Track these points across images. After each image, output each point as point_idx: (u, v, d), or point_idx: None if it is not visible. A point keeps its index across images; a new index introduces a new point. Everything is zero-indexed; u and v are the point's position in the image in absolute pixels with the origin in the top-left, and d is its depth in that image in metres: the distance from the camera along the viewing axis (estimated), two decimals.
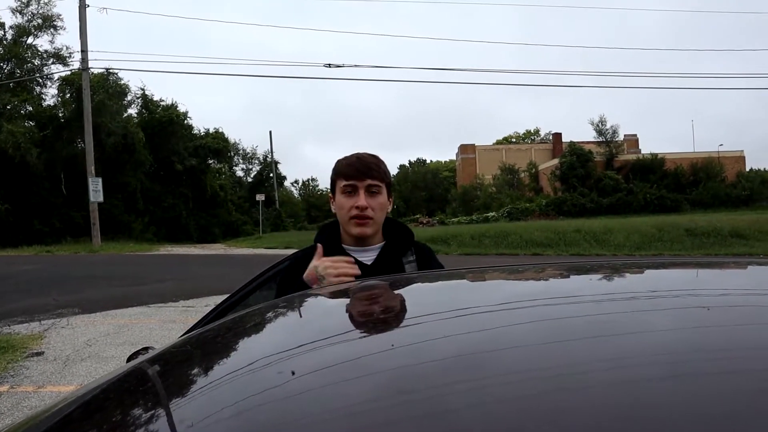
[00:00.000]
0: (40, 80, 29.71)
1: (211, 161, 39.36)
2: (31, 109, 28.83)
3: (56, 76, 29.62)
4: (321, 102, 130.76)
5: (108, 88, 28.83)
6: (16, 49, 28.58)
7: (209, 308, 2.08)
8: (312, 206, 59.00)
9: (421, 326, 0.75)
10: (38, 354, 5.58)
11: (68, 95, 28.97)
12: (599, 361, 0.57)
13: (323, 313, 0.92)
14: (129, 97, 32.48)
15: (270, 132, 47.91)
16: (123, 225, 28.66)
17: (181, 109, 35.44)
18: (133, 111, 33.93)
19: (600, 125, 39.17)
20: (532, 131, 69.75)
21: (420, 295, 0.98)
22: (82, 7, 23.02)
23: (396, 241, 1.74)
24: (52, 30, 29.22)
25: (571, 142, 40.54)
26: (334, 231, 1.76)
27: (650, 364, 0.55)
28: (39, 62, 29.74)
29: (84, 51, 23.15)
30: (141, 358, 0.81)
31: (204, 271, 13.94)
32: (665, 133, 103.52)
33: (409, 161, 73.62)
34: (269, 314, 0.92)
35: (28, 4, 28.91)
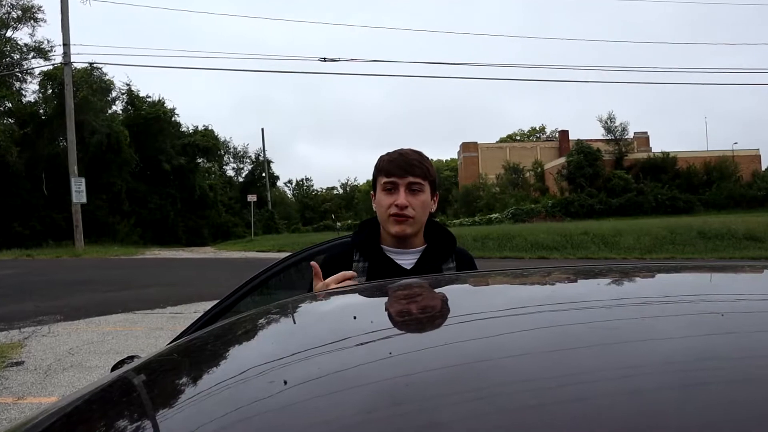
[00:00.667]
0: (20, 75, 29.68)
1: (200, 160, 39.39)
2: (10, 105, 28.80)
3: (37, 71, 29.69)
4: (315, 98, 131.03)
5: (92, 84, 28.84)
6: None
7: (198, 315, 2.08)
8: (306, 207, 59.07)
9: (418, 334, 0.75)
10: (18, 363, 5.57)
11: (50, 91, 28.98)
12: (608, 371, 0.57)
13: (316, 320, 0.92)
14: (114, 93, 32.60)
15: (262, 129, 47.80)
16: (107, 227, 28.63)
17: (169, 105, 35.57)
18: (118, 108, 34.04)
19: (609, 122, 39.29)
20: (537, 128, 69.92)
21: (418, 302, 0.98)
22: None
23: (437, 246, 1.73)
24: (32, 22, 29.25)
25: (578, 140, 40.65)
26: (374, 229, 1.74)
27: (662, 373, 0.55)
28: (18, 56, 29.72)
29: (66, 44, 23.15)
30: (126, 368, 0.81)
31: (192, 275, 13.93)
32: (677, 130, 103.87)
33: None
34: (261, 320, 0.92)
35: None
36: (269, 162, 46.61)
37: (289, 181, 68.04)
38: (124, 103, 34.44)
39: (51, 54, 29.14)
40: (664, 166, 37.41)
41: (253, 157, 48.90)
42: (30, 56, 29.87)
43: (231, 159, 49.65)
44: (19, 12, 29.13)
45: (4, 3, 29.03)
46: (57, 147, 28.70)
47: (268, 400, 0.54)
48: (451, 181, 59.98)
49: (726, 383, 0.52)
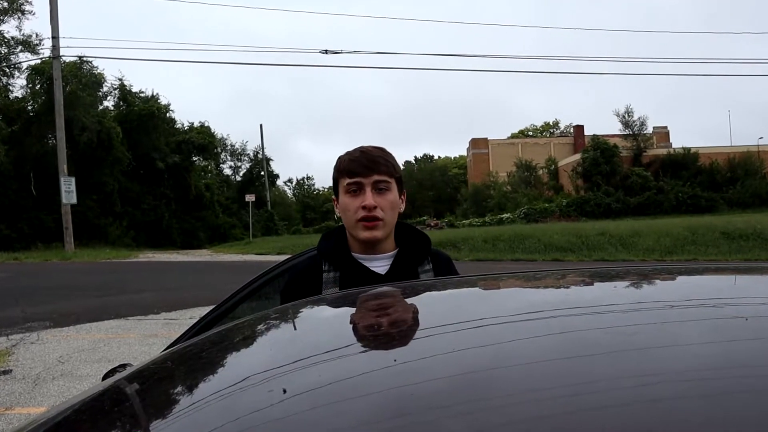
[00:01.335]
0: (7, 70, 29.81)
1: (195, 158, 39.48)
2: None
3: (25, 65, 29.77)
4: (316, 93, 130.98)
5: (81, 78, 28.95)
6: None
7: (194, 321, 2.09)
8: (307, 207, 59.12)
9: (425, 340, 0.75)
10: (5, 372, 5.60)
11: (38, 86, 29.09)
12: (624, 378, 0.57)
13: (317, 326, 0.92)
14: (105, 88, 32.66)
15: (261, 126, 47.94)
16: (99, 229, 28.73)
17: (163, 101, 35.64)
18: (109, 103, 34.14)
19: (626, 117, 39.15)
20: (550, 124, 69.78)
21: (425, 306, 0.98)
22: None
23: (411, 249, 1.70)
24: (19, 14, 29.34)
25: (594, 135, 40.51)
26: (341, 238, 1.71)
27: (681, 381, 0.55)
28: (5, 50, 29.84)
29: (55, 37, 23.26)
30: (117, 376, 0.81)
31: (188, 279, 13.98)
32: (699, 125, 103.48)
33: (415, 157, 73.92)
34: (259, 327, 0.92)
35: None
36: (268, 160, 46.68)
37: (289, 180, 68.21)
38: (116, 99, 34.57)
39: (39, 48, 29.28)
40: (685, 162, 37.27)
41: (251, 154, 49.00)
42: (17, 50, 29.99)
43: (228, 157, 49.75)
44: (5, 4, 29.27)
45: None
46: (46, 145, 28.82)
47: (266, 409, 0.55)
48: (460, 179, 59.97)
49: (749, 391, 0.52)
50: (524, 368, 0.61)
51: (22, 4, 29.17)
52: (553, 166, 43.77)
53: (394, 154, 1.74)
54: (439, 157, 73.18)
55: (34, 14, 29.62)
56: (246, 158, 49.59)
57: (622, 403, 0.51)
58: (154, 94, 35.21)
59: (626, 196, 35.03)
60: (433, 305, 1.00)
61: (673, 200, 34.41)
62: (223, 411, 0.56)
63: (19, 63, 29.90)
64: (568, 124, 63.12)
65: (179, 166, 35.58)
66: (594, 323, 0.77)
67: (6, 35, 29.62)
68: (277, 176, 51.05)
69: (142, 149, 33.21)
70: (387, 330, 0.81)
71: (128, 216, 31.90)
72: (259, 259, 18.93)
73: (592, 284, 1.11)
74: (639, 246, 17.81)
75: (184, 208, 35.74)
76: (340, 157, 1.69)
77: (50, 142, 28.18)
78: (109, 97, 33.94)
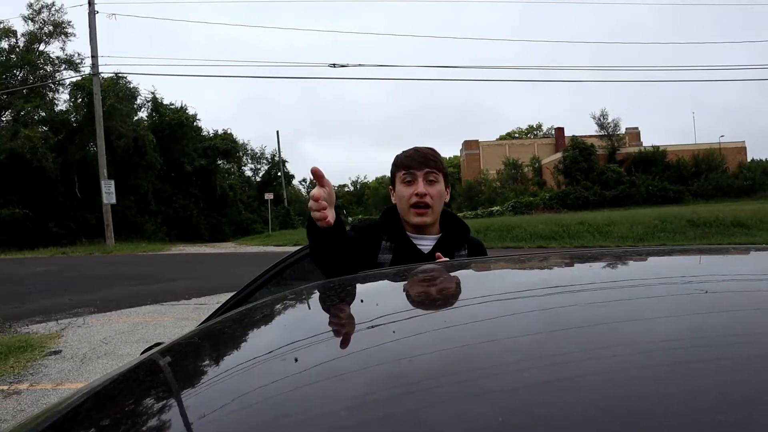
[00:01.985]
0: (53, 86, 29.86)
1: (220, 162, 39.47)
2: (44, 114, 29.00)
3: (68, 82, 29.83)
4: (321, 100, 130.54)
5: (118, 92, 28.97)
6: (28, 56, 28.72)
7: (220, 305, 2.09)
8: None
9: (431, 316, 0.75)
10: (56, 352, 5.63)
11: (80, 100, 29.14)
12: (597, 349, 0.57)
13: (333, 305, 0.92)
14: (139, 101, 32.68)
15: (277, 132, 48.07)
16: (136, 225, 28.80)
17: (190, 111, 35.62)
18: (143, 114, 34.13)
19: (601, 119, 38.96)
20: (534, 126, 69.48)
21: (442, 285, 0.98)
22: (92, 13, 23.11)
23: (452, 234, 1.76)
24: (63, 36, 29.37)
25: (573, 136, 40.32)
26: (397, 216, 1.78)
27: (647, 350, 0.55)
28: (51, 68, 29.88)
29: (94, 56, 23.27)
30: (152, 350, 0.82)
31: (215, 269, 14.00)
32: (666, 125, 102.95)
33: None
34: (273, 307, 0.92)
35: (39, 12, 29.05)
36: (284, 162, 46.68)
37: (304, 180, 68.05)
38: (149, 110, 34.56)
39: (81, 66, 29.32)
40: (655, 159, 37.07)
41: (269, 158, 48.97)
42: (61, 68, 30.04)
43: (249, 160, 49.71)
44: (51, 27, 29.27)
45: (37, 19, 29.20)
46: (88, 152, 28.87)
47: (281, 381, 0.55)
48: (454, 177, 59.69)
49: (710, 357, 0.52)
50: (512, 341, 0.60)
51: (65, 27, 29.21)
52: (537, 164, 43.61)
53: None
54: None
55: (75, 36, 29.68)
56: (264, 161, 49.56)
57: (596, 371, 0.50)
58: (183, 105, 35.26)
59: (602, 190, 34.89)
60: (441, 285, 1.00)
61: (644, 193, 34.26)
62: (241, 379, 0.57)
63: (63, 80, 29.99)
64: (550, 127, 62.82)
65: (206, 169, 35.60)
66: (574, 301, 0.76)
67: (51, 55, 29.70)
68: (292, 176, 51.03)
69: (172, 154, 33.24)
70: (397, 309, 0.81)
71: (161, 214, 31.96)
72: (278, 250, 18.95)
73: (572, 265, 1.11)
74: (614, 234, 17.75)
75: (210, 206, 35.78)
76: (397, 155, 1.79)
77: (91, 149, 28.21)
78: (143, 109, 33.98)
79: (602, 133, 39.07)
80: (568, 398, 0.45)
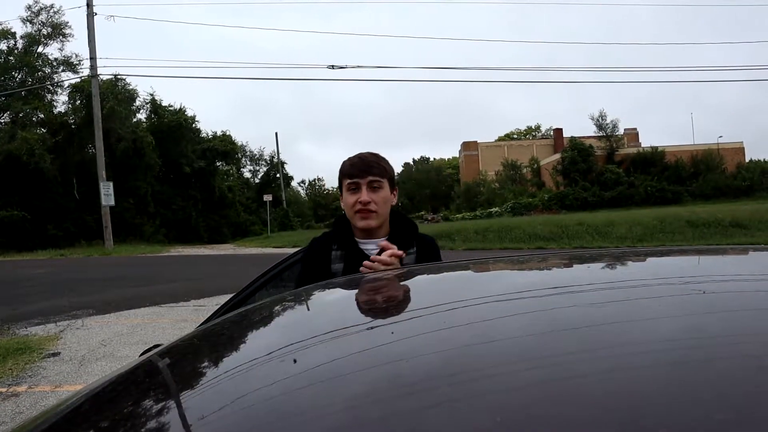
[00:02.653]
0: (51, 88, 29.84)
1: (219, 163, 39.46)
2: (42, 116, 28.98)
3: (66, 84, 29.81)
4: (319, 101, 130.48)
5: (117, 94, 28.95)
6: (27, 58, 28.70)
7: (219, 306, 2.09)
8: (319, 205, 59.11)
9: (416, 319, 0.75)
10: (54, 354, 5.62)
11: (78, 102, 29.11)
12: (595, 350, 0.57)
13: (331, 306, 0.92)
14: (138, 102, 32.65)
15: (276, 134, 48.04)
16: (134, 227, 28.77)
17: (189, 113, 35.63)
18: (142, 116, 34.10)
19: (600, 120, 39.03)
20: (533, 127, 69.56)
21: (409, 289, 0.98)
22: (90, 15, 23.11)
23: (399, 234, 1.81)
24: (61, 38, 29.37)
25: (572, 137, 40.39)
26: (347, 224, 1.85)
27: (646, 350, 0.55)
28: (49, 70, 29.87)
29: (93, 58, 23.26)
30: (151, 352, 0.82)
31: (214, 270, 13.99)
32: (665, 126, 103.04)
33: (413, 159, 73.70)
34: (270, 309, 0.92)
35: (37, 14, 29.06)
36: (283, 164, 46.68)
37: (302, 181, 68.06)
38: (148, 112, 34.55)
39: (79, 67, 29.33)
40: (653, 159, 37.13)
41: (267, 159, 48.98)
42: (60, 70, 30.05)
43: (247, 162, 49.71)
44: (49, 29, 29.26)
45: (35, 21, 29.19)
46: (86, 153, 28.85)
47: (280, 380, 0.55)
48: (453, 178, 59.82)
49: (706, 356, 0.52)
50: (504, 344, 0.60)
51: (63, 28, 29.20)
52: (536, 165, 43.65)
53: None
54: (434, 158, 72.98)
55: (74, 37, 29.67)
56: (263, 162, 49.58)
57: (594, 371, 0.50)
58: (182, 107, 35.27)
59: (601, 190, 34.93)
60: (419, 288, 1.00)
61: (642, 193, 34.30)
62: (240, 381, 0.57)
63: (62, 81, 29.98)
64: (548, 128, 62.90)
65: (204, 170, 35.60)
66: (567, 302, 0.77)
67: (50, 57, 29.69)
68: (291, 178, 51.04)
69: (171, 156, 33.23)
70: (379, 311, 0.81)
71: (160, 215, 31.93)
72: (276, 252, 18.94)
73: (567, 266, 1.11)
74: (613, 234, 17.77)
75: (209, 208, 35.77)
76: (343, 162, 1.85)
77: (90, 151, 28.19)
78: (141, 111, 33.95)
79: (601, 133, 39.13)
80: (567, 398, 0.44)
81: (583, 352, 0.56)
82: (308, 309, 0.90)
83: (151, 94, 33.75)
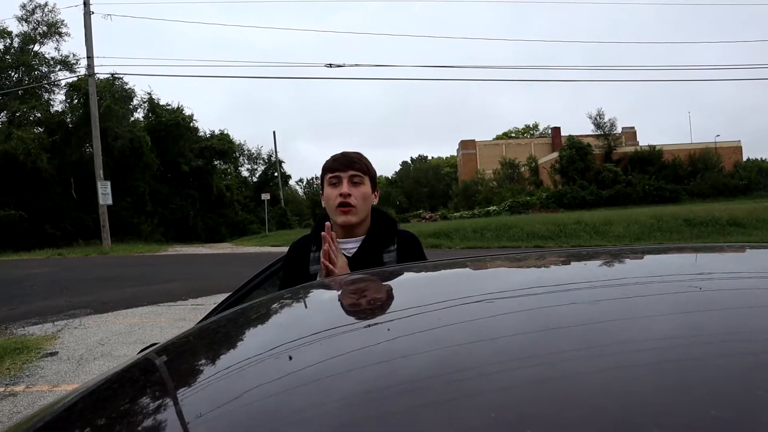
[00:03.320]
0: (48, 87, 29.79)
1: (216, 162, 39.46)
2: (39, 115, 28.93)
3: (63, 83, 29.77)
4: (317, 99, 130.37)
5: (114, 93, 28.91)
6: (23, 57, 28.66)
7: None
8: (317, 204, 59.01)
9: (409, 318, 0.75)
10: (52, 354, 5.61)
11: (75, 101, 29.08)
12: (591, 349, 0.57)
13: (328, 304, 0.92)
14: (135, 102, 32.65)
15: (274, 132, 48.00)
16: (132, 227, 28.74)
17: (187, 112, 35.60)
18: (139, 115, 34.09)
19: (598, 119, 39.08)
20: (531, 126, 69.55)
21: (402, 288, 0.98)
22: (87, 14, 23.06)
23: (377, 233, 1.79)
24: (57, 37, 29.34)
25: (569, 135, 40.43)
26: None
27: (642, 348, 0.55)
28: (46, 69, 29.83)
29: (90, 57, 23.21)
30: (147, 350, 0.82)
31: (212, 269, 13.98)
32: (662, 124, 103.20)
33: (411, 158, 73.77)
34: (271, 306, 0.92)
35: (32, 12, 29.00)
36: (281, 162, 46.66)
37: (300, 180, 68.08)
38: (145, 111, 34.53)
39: (76, 66, 29.31)
40: (651, 158, 37.19)
41: (265, 158, 48.95)
42: (56, 69, 30.02)
43: (245, 161, 49.67)
44: (45, 28, 29.21)
45: (30, 20, 29.13)
46: (84, 153, 28.80)
47: (276, 378, 0.55)
48: (451, 176, 59.82)
49: (701, 353, 0.52)
50: (502, 340, 0.60)
51: (59, 27, 29.16)
52: (534, 164, 43.70)
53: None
54: (432, 157, 73.00)
55: (70, 35, 29.64)
56: (261, 161, 49.53)
57: (589, 369, 0.50)
58: (179, 106, 35.25)
59: (599, 189, 34.98)
60: (412, 287, 1.00)
61: (640, 192, 34.37)
62: (236, 379, 0.57)
63: (59, 80, 29.94)
64: (546, 126, 62.91)
65: (202, 169, 35.57)
66: (566, 298, 0.77)
67: (46, 56, 29.64)
68: (289, 177, 51.11)
69: (169, 155, 33.20)
70: (372, 311, 0.81)
71: (158, 214, 31.90)
72: (274, 251, 18.93)
73: (567, 264, 1.11)
74: (611, 233, 17.79)
75: (207, 207, 35.75)
76: (326, 160, 1.84)
77: (88, 150, 28.13)
78: (139, 110, 33.94)
79: (599, 132, 39.19)
80: (563, 397, 0.44)
81: (578, 350, 0.56)
82: (306, 307, 0.90)
83: (149, 93, 33.76)
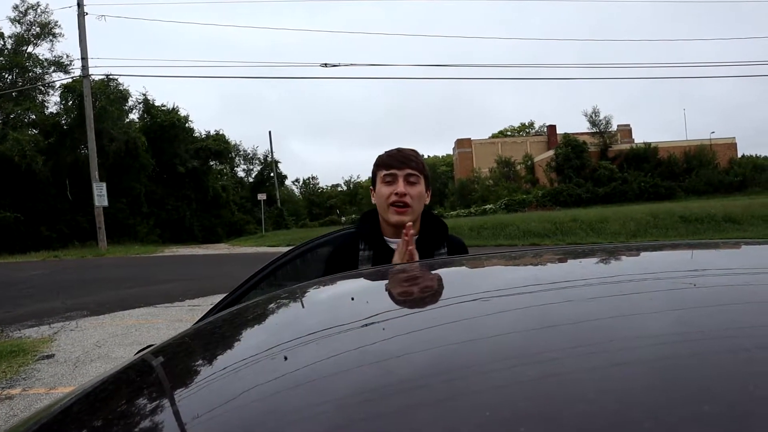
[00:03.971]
0: (42, 88, 29.68)
1: (212, 163, 39.41)
2: (34, 117, 28.84)
3: (58, 84, 29.67)
4: (314, 100, 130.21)
5: (109, 94, 28.84)
6: (17, 59, 28.54)
7: None
8: (313, 204, 59.09)
9: (414, 314, 0.75)
10: (49, 356, 5.59)
11: (70, 102, 28.99)
12: (587, 346, 0.57)
13: (324, 304, 0.92)
14: (130, 103, 32.56)
15: (269, 132, 48.11)
16: (128, 228, 28.69)
17: (182, 113, 35.55)
18: (134, 116, 34.01)
19: (594, 116, 39.15)
20: (526, 124, 69.67)
21: (399, 287, 0.98)
22: (81, 15, 22.97)
23: (430, 234, 1.75)
24: (51, 38, 29.25)
25: (565, 133, 40.49)
26: (376, 222, 1.77)
27: (637, 345, 0.55)
28: (40, 71, 29.71)
29: (84, 58, 23.12)
30: (143, 351, 0.82)
31: (209, 270, 13.95)
32: (658, 121, 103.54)
33: None
34: (262, 307, 0.92)
35: (25, 14, 28.90)
36: (277, 162, 46.63)
37: (297, 180, 68.00)
38: (140, 112, 34.46)
39: (70, 67, 29.20)
40: (646, 155, 37.29)
41: (261, 158, 48.90)
42: (51, 70, 29.92)
43: (241, 161, 49.62)
44: (39, 29, 29.10)
45: (23, 21, 29.01)
46: (79, 154, 28.71)
47: (272, 378, 0.55)
48: (447, 175, 59.83)
49: (696, 349, 0.53)
50: (498, 339, 0.61)
51: (53, 28, 29.05)
52: (530, 162, 43.76)
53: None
54: (428, 156, 72.99)
55: (63, 36, 29.54)
56: (257, 162, 49.50)
57: (585, 367, 0.51)
58: (175, 107, 35.21)
59: (595, 186, 35.06)
60: (419, 285, 1.00)
61: (636, 189, 34.46)
62: (233, 379, 0.57)
63: (53, 82, 29.83)
64: (542, 124, 63.02)
65: (198, 170, 35.52)
66: (562, 296, 0.77)
67: (40, 57, 29.52)
68: (285, 177, 51.05)
69: (164, 156, 33.14)
70: (384, 308, 0.81)
71: (154, 216, 31.84)
72: (271, 251, 18.91)
73: (563, 261, 1.11)
74: (607, 230, 17.84)
75: (203, 208, 35.70)
76: (379, 155, 1.77)
77: (83, 151, 28.06)
78: (134, 110, 33.85)
79: (594, 130, 39.26)
80: (559, 395, 0.45)
81: (573, 348, 0.56)
82: (302, 307, 0.90)
83: (144, 94, 33.71)
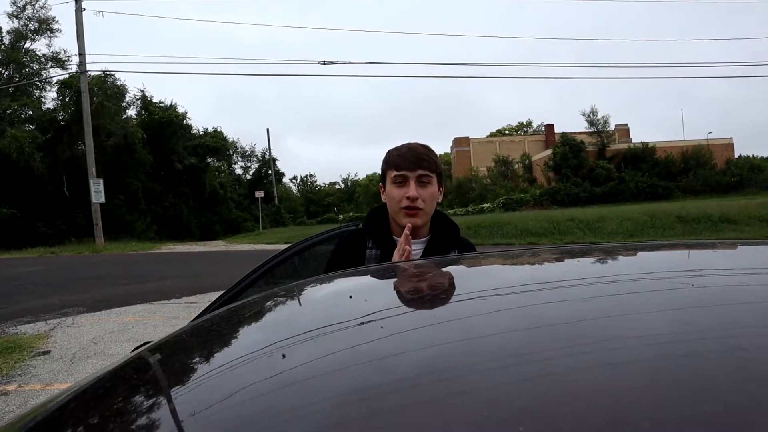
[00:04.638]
0: (39, 84, 29.58)
1: (210, 160, 39.32)
2: (31, 113, 28.72)
3: (55, 80, 29.55)
4: (312, 97, 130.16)
5: (106, 90, 28.75)
6: (14, 54, 28.43)
7: None
8: (311, 201, 59.05)
9: (418, 312, 0.75)
10: (45, 353, 5.59)
11: (67, 98, 28.88)
12: (584, 346, 0.57)
13: (322, 302, 0.92)
14: (128, 98, 32.45)
15: (267, 130, 47.92)
16: (125, 225, 28.61)
17: (180, 109, 35.44)
18: (132, 112, 33.90)
19: (591, 116, 39.26)
20: (524, 123, 69.73)
21: (396, 286, 0.98)
22: (79, 10, 22.90)
23: (441, 236, 1.70)
24: (48, 33, 29.15)
25: (563, 133, 40.54)
26: (385, 220, 1.71)
27: (635, 345, 0.55)
28: (37, 66, 29.61)
29: (81, 54, 23.06)
30: (139, 349, 0.81)
31: (206, 267, 13.95)
32: (655, 121, 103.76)
33: None
34: (261, 305, 0.92)
35: (23, 9, 28.77)
36: (275, 160, 46.58)
37: (294, 178, 67.93)
38: (138, 108, 34.35)
39: (68, 63, 29.10)
40: (644, 155, 37.38)
41: (259, 156, 48.83)
42: (48, 66, 29.79)
43: (239, 158, 49.54)
44: (36, 24, 29.00)
45: (21, 16, 28.89)
46: (76, 150, 28.62)
47: (269, 376, 0.55)
48: (445, 174, 59.68)
49: (693, 349, 0.53)
50: (495, 338, 0.61)
51: (50, 23, 28.95)
52: (528, 161, 43.82)
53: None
54: None
55: (61, 32, 29.42)
56: (255, 159, 49.42)
57: (584, 366, 0.51)
58: (173, 103, 35.08)
59: (592, 186, 35.13)
60: (427, 282, 1.00)
61: (633, 189, 34.53)
62: (229, 377, 0.57)
63: (50, 78, 29.71)
64: (540, 123, 63.09)
65: (196, 167, 35.44)
66: (559, 295, 0.77)
67: (37, 53, 29.41)
68: (283, 174, 50.94)
69: (162, 153, 33.05)
70: (384, 306, 0.81)
71: (151, 212, 31.77)
72: (269, 248, 18.90)
73: (560, 261, 1.11)
74: (604, 230, 17.87)
75: (201, 205, 35.64)
76: (389, 151, 1.69)
77: (80, 148, 27.97)
78: (132, 107, 33.75)
79: (592, 129, 39.35)
80: (555, 393, 0.45)
81: (571, 347, 0.56)
82: (299, 305, 0.90)
83: (142, 91, 33.60)
